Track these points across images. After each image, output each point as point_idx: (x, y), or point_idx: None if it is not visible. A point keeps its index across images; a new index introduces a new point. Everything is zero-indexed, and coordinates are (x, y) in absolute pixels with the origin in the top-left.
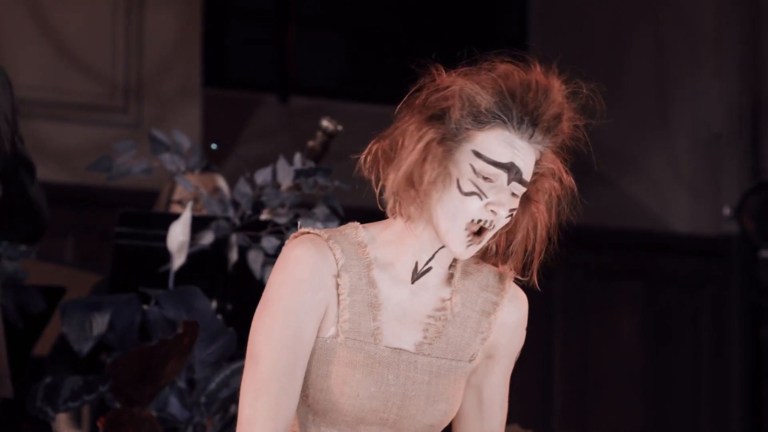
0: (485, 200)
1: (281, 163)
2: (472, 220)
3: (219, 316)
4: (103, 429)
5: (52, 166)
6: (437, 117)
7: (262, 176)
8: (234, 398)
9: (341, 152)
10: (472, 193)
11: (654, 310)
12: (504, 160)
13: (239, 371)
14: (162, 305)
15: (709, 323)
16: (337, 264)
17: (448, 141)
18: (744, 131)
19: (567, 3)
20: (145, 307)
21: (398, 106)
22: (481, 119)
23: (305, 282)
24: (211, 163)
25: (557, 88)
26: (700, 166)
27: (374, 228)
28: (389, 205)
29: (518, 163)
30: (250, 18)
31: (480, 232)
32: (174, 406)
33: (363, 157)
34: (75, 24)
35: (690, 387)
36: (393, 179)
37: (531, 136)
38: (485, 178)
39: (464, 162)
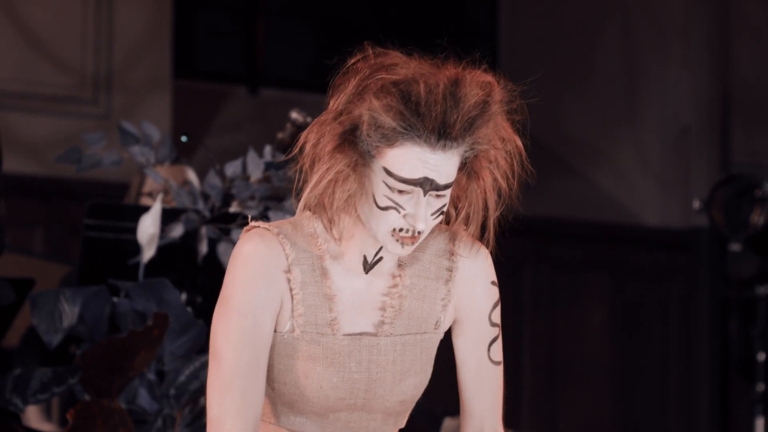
0: (403, 212)
1: (251, 156)
2: (395, 229)
3: (189, 309)
4: (73, 421)
5: (21, 157)
6: (349, 133)
7: (232, 168)
8: (203, 390)
9: None
10: (388, 208)
11: (623, 302)
12: (415, 176)
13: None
14: (132, 297)
15: (677, 316)
16: (287, 259)
17: (360, 163)
18: (713, 124)
19: None
20: (115, 299)
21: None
22: (388, 136)
23: (257, 279)
24: (180, 155)
25: (468, 82)
26: (670, 158)
27: None
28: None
29: (432, 175)
30: (220, 10)
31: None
32: (143, 398)
33: (296, 150)
34: (45, 15)
35: (658, 379)
36: (305, 200)
37: (444, 146)
38: (400, 191)
39: (377, 178)
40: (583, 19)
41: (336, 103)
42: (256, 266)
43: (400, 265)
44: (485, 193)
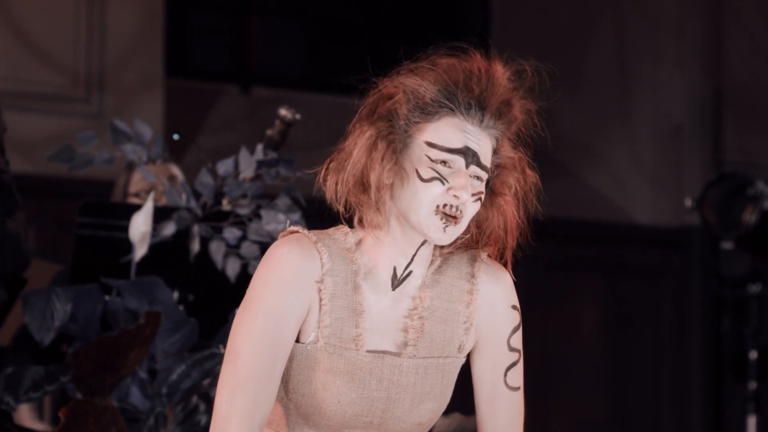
0: (446, 185)
1: (243, 154)
2: (438, 206)
3: (181, 307)
4: (65, 419)
5: (13, 156)
6: (384, 118)
7: (224, 167)
8: (196, 389)
9: (303, 142)
10: (432, 179)
11: (615, 301)
12: (457, 145)
13: (201, 362)
14: (124, 296)
15: (670, 314)
16: (322, 268)
17: (396, 137)
18: (705, 123)
19: None
20: (107, 297)
21: (351, 123)
22: (428, 110)
23: (288, 283)
24: (172, 153)
25: (501, 73)
26: (662, 157)
27: (359, 233)
28: (356, 218)
29: (473, 146)
30: (212, 8)
31: (453, 216)
32: (135, 396)
33: (321, 173)
34: (37, 13)
35: (651, 377)
36: (341, 186)
37: (481, 121)
38: (443, 162)
39: (419, 154)
40: (576, 17)
41: (368, 108)
42: (290, 269)
43: (422, 286)
44: (505, 213)
